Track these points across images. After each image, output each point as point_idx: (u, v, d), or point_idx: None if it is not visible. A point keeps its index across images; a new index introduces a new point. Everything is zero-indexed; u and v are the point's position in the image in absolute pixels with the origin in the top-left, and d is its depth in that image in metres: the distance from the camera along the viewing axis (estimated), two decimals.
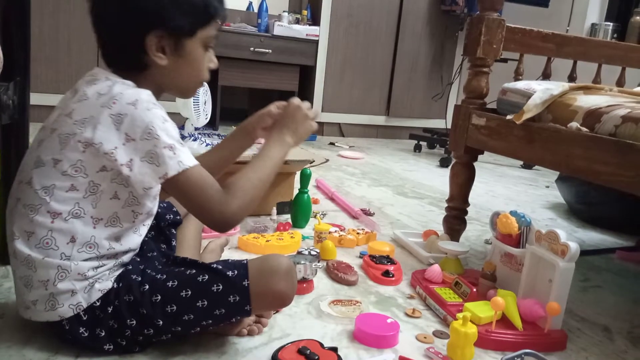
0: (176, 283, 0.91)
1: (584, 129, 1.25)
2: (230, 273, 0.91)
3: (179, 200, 0.92)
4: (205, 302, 0.90)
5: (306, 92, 3.92)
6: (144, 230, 0.99)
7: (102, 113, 0.85)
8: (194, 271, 0.92)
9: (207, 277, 0.91)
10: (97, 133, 0.84)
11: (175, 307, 0.90)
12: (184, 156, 0.87)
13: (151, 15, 0.88)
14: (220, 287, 0.90)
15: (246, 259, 0.95)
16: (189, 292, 0.90)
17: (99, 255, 0.89)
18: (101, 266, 0.90)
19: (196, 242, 1.25)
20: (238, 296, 0.91)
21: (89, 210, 0.87)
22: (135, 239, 0.96)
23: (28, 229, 0.87)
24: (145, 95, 0.87)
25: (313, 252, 1.43)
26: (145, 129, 0.84)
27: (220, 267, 0.93)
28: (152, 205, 0.97)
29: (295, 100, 1.07)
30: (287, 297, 0.96)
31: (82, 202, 0.87)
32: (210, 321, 0.92)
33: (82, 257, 0.88)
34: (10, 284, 1.14)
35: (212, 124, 3.47)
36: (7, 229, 0.92)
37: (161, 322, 0.90)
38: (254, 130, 1.11)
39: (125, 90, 0.87)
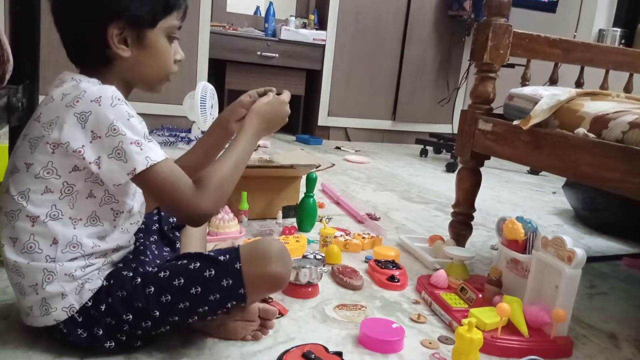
0: (168, 273, 0.91)
1: (591, 135, 1.25)
2: (221, 257, 0.92)
3: (152, 196, 0.90)
4: (199, 289, 0.90)
5: (313, 97, 3.93)
6: (133, 228, 0.99)
7: (67, 112, 0.84)
8: (185, 261, 0.93)
9: (198, 264, 0.92)
10: (64, 133, 0.84)
11: (169, 297, 0.90)
12: (151, 152, 0.85)
13: (109, 7, 0.87)
14: (213, 272, 0.91)
15: (238, 244, 0.96)
16: (182, 281, 0.90)
17: (84, 254, 0.90)
18: (89, 265, 0.90)
19: (201, 245, 1.25)
20: (231, 280, 0.91)
21: (67, 211, 0.88)
22: (123, 236, 0.96)
23: (12, 236, 0.88)
24: (110, 91, 0.85)
25: (318, 256, 1.43)
26: (110, 125, 0.83)
27: (212, 253, 0.93)
28: (133, 203, 0.96)
29: (285, 96, 1.06)
30: (282, 279, 0.95)
31: (59, 204, 0.87)
32: (207, 307, 0.92)
33: (67, 258, 0.88)
34: None
35: None
36: None
37: (157, 313, 0.90)
38: (228, 124, 1.08)
39: (89, 88, 0.85)
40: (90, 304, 0.90)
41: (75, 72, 0.92)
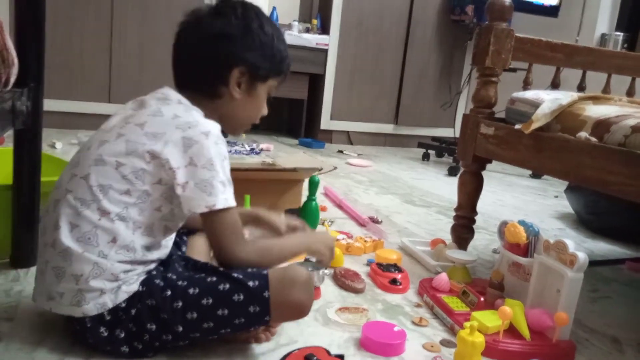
0: (197, 290, 0.91)
1: (593, 138, 1.25)
2: (251, 283, 0.92)
3: (207, 230, 0.97)
4: (226, 311, 0.91)
5: (315, 100, 3.93)
6: (170, 243, 1.03)
7: (175, 133, 0.91)
8: (215, 279, 0.93)
9: (228, 286, 0.92)
10: (166, 149, 0.90)
11: (196, 315, 0.91)
12: (229, 194, 0.93)
13: (243, 54, 0.99)
14: (242, 297, 0.91)
15: (266, 270, 0.96)
16: (210, 300, 0.91)
17: (133, 259, 0.91)
18: (132, 270, 0.92)
19: (206, 247, 1.25)
20: (259, 307, 0.92)
21: (134, 216, 0.91)
22: (163, 251, 0.99)
23: (74, 221, 0.89)
24: (217, 129, 0.95)
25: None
26: (209, 160, 0.91)
27: (241, 276, 0.93)
28: (182, 224, 1.02)
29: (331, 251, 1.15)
30: (306, 308, 0.97)
31: (130, 208, 0.90)
32: (229, 330, 0.93)
33: (118, 259, 0.90)
34: (21, 287, 1.16)
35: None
36: (46, 219, 0.93)
37: (181, 329, 0.91)
38: (260, 224, 1.21)
39: (201, 119, 0.94)
40: (123, 305, 0.91)
41: (178, 94, 0.99)
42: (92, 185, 0.89)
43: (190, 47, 1.01)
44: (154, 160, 0.90)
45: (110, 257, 0.89)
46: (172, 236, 1.03)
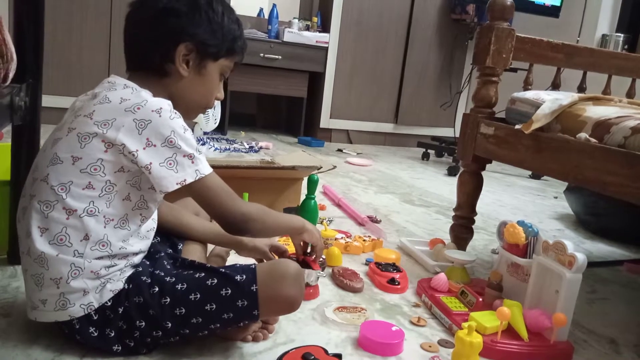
0: (185, 286, 0.91)
1: (593, 139, 1.25)
2: (238, 277, 0.92)
3: (197, 202, 0.96)
4: (214, 306, 0.91)
5: (315, 99, 3.93)
6: (151, 234, 1.01)
7: (126, 117, 0.88)
8: (203, 274, 0.93)
9: (216, 281, 0.92)
10: (120, 135, 0.87)
11: (184, 310, 0.90)
12: (201, 165, 0.91)
13: (188, 29, 0.95)
14: (229, 291, 0.91)
15: (254, 264, 0.96)
16: (198, 296, 0.91)
17: (111, 254, 0.90)
18: (113, 266, 0.91)
19: (202, 246, 1.25)
20: (246, 301, 0.91)
21: (103, 209, 0.89)
22: (143, 242, 0.98)
23: (42, 225, 0.88)
24: (168, 104, 0.91)
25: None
26: (167, 137, 0.88)
27: (229, 271, 0.93)
28: (155, 210, 1.00)
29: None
30: (295, 303, 0.96)
31: (97, 201, 0.88)
32: (219, 325, 0.93)
33: (95, 255, 0.89)
34: (18, 283, 1.16)
35: (220, 129, 3.49)
36: (19, 227, 0.93)
37: (170, 325, 0.90)
38: (242, 251, 1.25)
39: (149, 98, 0.91)
40: (109, 304, 0.90)
41: (125, 79, 0.96)
42: (53, 185, 0.87)
43: (136, 24, 0.97)
44: (112, 149, 0.87)
45: (86, 255, 0.88)
46: (153, 227, 1.01)
